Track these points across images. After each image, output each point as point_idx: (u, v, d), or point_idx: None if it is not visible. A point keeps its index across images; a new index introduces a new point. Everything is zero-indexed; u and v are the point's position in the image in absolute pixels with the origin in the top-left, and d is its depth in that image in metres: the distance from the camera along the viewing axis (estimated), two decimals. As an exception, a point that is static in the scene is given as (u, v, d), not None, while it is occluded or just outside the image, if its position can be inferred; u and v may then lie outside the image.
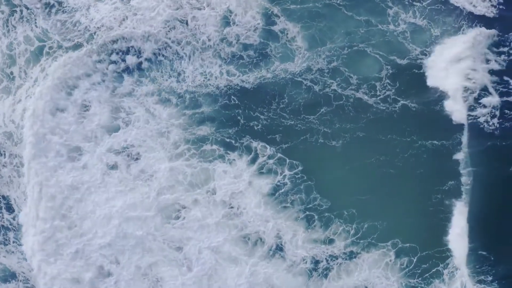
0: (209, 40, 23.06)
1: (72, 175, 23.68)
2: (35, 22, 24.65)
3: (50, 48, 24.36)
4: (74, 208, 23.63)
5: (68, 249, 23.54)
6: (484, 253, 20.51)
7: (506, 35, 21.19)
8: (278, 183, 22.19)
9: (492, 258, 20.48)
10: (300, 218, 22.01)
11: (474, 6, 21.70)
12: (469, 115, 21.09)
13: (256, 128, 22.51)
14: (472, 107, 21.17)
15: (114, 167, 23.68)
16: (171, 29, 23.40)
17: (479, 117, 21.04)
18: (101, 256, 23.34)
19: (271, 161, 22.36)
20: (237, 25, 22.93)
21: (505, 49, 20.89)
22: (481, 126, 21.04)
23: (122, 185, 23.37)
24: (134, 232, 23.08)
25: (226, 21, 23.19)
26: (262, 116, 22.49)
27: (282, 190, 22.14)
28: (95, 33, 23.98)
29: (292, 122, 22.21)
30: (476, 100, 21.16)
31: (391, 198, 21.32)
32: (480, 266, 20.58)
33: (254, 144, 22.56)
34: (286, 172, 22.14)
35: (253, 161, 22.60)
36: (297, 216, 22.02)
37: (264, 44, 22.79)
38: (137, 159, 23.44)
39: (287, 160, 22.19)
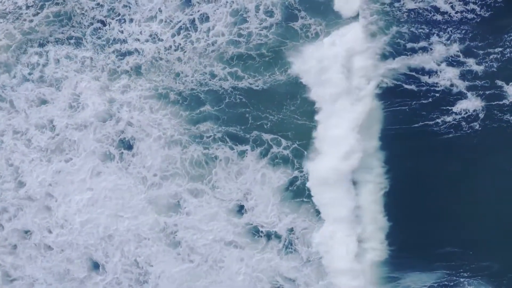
0: (214, 44, 22.42)
1: (60, 167, 23.20)
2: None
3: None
4: (62, 201, 23.14)
5: (55, 243, 23.17)
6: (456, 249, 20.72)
7: (501, 36, 20.63)
8: (294, 177, 21.70)
9: (471, 253, 20.63)
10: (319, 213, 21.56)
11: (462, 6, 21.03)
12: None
13: (265, 126, 21.98)
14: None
15: (106, 157, 23.04)
16: (177, 32, 22.84)
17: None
18: (91, 250, 22.87)
19: (286, 152, 21.80)
20: (249, 22, 22.19)
21: (498, 49, 20.50)
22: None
23: (115, 176, 22.82)
24: (127, 225, 22.63)
25: (237, 18, 22.37)
26: (271, 117, 21.99)
27: (299, 182, 21.69)
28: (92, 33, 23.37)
29: (306, 122, 21.71)
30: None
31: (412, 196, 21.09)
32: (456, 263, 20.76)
33: (266, 136, 21.98)
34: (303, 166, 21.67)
35: (265, 152, 22.02)
36: (315, 211, 21.56)
37: (279, 42, 21.98)
38: (130, 148, 22.88)
39: (305, 153, 21.65)
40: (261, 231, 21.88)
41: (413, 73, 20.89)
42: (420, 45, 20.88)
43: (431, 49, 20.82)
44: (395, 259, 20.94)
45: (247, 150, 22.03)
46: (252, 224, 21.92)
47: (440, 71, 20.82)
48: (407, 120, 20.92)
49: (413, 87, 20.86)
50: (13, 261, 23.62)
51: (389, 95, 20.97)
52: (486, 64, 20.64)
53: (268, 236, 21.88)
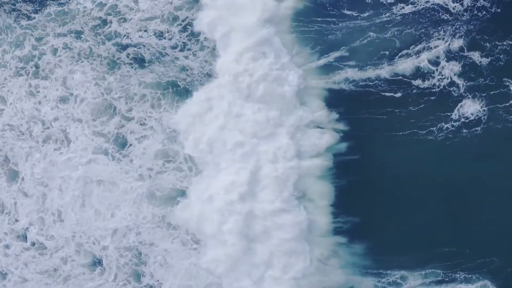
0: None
1: (54, 159, 22.02)
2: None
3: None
4: (56, 194, 21.88)
5: (49, 237, 21.87)
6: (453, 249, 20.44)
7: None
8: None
9: (467, 251, 20.40)
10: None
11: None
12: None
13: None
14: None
15: (102, 149, 21.90)
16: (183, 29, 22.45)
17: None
18: (87, 243, 21.55)
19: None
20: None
21: (508, 41, 20.35)
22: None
23: (112, 168, 21.68)
24: (124, 217, 21.39)
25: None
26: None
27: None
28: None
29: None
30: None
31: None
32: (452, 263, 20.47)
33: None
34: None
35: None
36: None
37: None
38: (128, 140, 21.83)
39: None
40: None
41: (401, 78, 20.93)
42: (415, 48, 21.11)
43: (429, 48, 20.99)
44: (380, 255, 20.56)
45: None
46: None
47: (439, 71, 20.80)
48: (388, 129, 20.82)
49: (398, 94, 20.84)
50: (5, 260, 22.22)
51: (354, 104, 20.98)
52: (493, 58, 20.58)
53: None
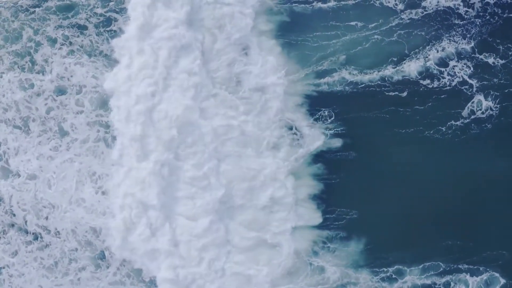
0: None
1: (53, 154, 21.32)
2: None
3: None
4: (53, 189, 21.18)
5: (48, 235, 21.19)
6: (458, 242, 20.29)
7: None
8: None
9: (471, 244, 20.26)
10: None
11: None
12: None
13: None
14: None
15: (100, 141, 21.29)
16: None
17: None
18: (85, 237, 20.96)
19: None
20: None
21: None
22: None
23: (110, 162, 21.03)
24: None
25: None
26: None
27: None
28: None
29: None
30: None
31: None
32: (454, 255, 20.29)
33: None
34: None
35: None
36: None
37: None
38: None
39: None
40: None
41: (407, 77, 20.94)
42: (424, 51, 21.14)
43: (439, 50, 21.05)
44: (378, 252, 20.56)
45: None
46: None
47: (448, 72, 20.83)
48: (392, 126, 20.80)
49: (404, 93, 20.87)
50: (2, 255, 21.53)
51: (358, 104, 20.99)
52: (507, 60, 20.76)
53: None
